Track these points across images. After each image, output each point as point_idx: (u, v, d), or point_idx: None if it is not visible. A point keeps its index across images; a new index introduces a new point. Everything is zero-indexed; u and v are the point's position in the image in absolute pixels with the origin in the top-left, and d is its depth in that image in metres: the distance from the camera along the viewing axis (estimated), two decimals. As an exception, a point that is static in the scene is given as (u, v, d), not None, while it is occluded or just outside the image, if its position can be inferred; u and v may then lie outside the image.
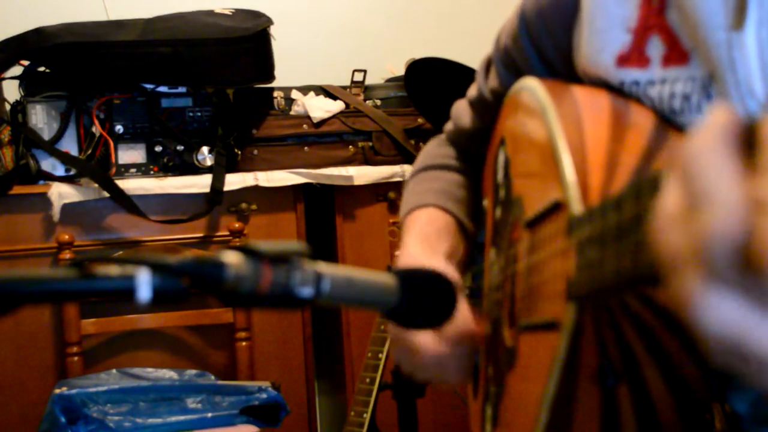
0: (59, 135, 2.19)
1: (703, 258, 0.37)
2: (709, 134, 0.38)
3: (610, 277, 0.50)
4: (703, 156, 0.37)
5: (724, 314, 0.37)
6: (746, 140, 0.37)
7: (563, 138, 0.65)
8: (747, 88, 0.64)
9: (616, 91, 0.74)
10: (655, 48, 0.71)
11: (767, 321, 0.37)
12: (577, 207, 0.59)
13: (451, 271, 0.87)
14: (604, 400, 0.59)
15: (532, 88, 0.76)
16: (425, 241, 0.93)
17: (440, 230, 0.95)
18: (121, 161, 2.21)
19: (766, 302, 0.37)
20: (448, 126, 1.08)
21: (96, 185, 2.13)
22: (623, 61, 0.74)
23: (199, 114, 2.27)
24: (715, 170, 0.37)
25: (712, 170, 0.37)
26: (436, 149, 1.08)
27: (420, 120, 2.45)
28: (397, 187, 2.35)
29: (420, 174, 1.06)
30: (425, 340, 0.83)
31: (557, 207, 0.63)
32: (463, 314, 0.83)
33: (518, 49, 0.91)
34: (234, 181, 2.23)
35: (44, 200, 2.11)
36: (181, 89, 2.26)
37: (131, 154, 2.22)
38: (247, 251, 0.60)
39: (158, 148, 2.23)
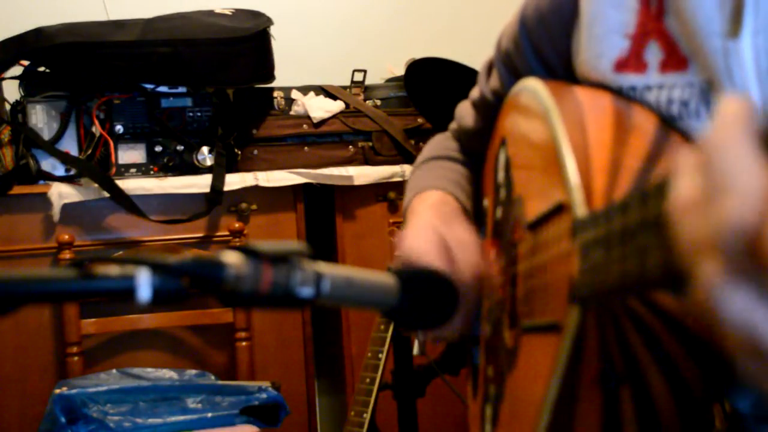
0: (59, 135, 2.18)
1: (720, 246, 0.36)
2: (727, 124, 0.37)
3: (614, 279, 0.50)
4: (722, 145, 0.37)
5: (738, 305, 0.36)
6: (763, 134, 0.37)
7: (567, 140, 0.65)
8: (744, 96, 0.64)
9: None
10: (653, 54, 0.71)
11: None
12: (581, 210, 0.59)
13: (470, 230, 0.86)
14: (605, 402, 0.59)
15: (534, 88, 0.76)
16: (439, 213, 0.90)
17: (455, 210, 0.93)
18: (121, 161, 2.21)
19: None
20: (452, 126, 1.08)
21: (96, 185, 2.13)
22: (621, 66, 0.74)
23: (199, 114, 2.26)
24: (736, 159, 0.36)
25: (731, 158, 0.36)
26: (443, 142, 1.08)
27: (420, 120, 2.44)
28: (398, 187, 2.35)
29: (429, 162, 1.04)
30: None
31: (560, 209, 0.63)
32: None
33: (519, 53, 0.91)
34: (234, 181, 2.23)
35: (44, 200, 2.11)
36: (181, 89, 2.26)
37: (131, 154, 2.22)
38: (247, 251, 0.60)
39: (158, 148, 2.23)
